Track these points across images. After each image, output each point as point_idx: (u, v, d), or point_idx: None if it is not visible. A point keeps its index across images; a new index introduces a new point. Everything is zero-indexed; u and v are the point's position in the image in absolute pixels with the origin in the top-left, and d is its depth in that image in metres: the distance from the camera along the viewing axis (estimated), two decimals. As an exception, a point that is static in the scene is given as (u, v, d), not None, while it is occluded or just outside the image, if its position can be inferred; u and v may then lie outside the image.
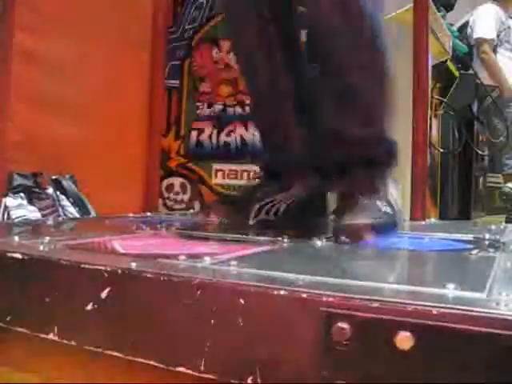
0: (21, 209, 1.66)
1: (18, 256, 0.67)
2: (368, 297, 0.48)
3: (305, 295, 0.50)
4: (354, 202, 0.96)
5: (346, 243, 0.88)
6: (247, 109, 2.75)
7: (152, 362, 0.56)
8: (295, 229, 1.05)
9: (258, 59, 1.21)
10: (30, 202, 1.70)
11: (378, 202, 0.97)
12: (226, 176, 2.78)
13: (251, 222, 1.14)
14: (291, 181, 1.20)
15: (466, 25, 3.68)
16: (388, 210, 0.96)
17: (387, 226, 0.93)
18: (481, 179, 3.76)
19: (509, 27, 3.61)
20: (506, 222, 3.12)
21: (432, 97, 2.53)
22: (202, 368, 0.53)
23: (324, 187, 1.20)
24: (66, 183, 1.82)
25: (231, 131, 2.77)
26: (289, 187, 1.19)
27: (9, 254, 0.68)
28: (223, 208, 1.19)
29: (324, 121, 1.11)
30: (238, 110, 2.76)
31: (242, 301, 0.52)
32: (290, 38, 1.24)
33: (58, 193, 1.79)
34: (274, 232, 0.99)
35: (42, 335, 0.62)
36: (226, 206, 1.22)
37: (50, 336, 0.62)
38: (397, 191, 1.04)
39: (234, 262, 0.64)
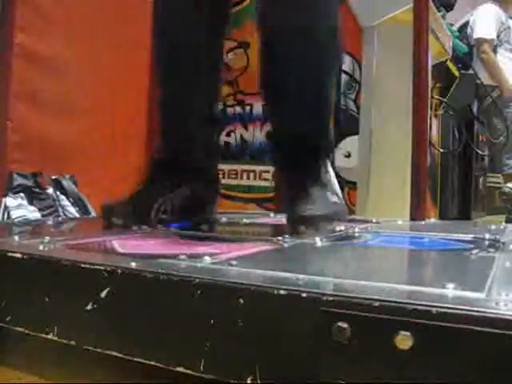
0: (21, 209, 1.67)
1: (18, 256, 0.67)
2: (368, 297, 0.48)
3: (305, 295, 0.50)
4: (305, 194, 1.02)
5: (303, 233, 0.94)
6: (247, 109, 2.76)
7: (152, 362, 0.56)
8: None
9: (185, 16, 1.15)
10: (30, 202, 1.70)
11: (328, 193, 1.05)
12: (226, 176, 2.79)
13: (153, 222, 1.11)
14: (182, 180, 1.19)
15: (466, 25, 3.68)
16: (336, 199, 1.06)
17: (339, 215, 1.04)
18: (481, 179, 3.76)
19: (509, 27, 3.62)
20: (506, 222, 3.12)
21: (432, 97, 2.53)
22: (202, 368, 0.53)
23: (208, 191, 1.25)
24: (66, 183, 1.82)
25: (231, 131, 2.77)
26: (182, 183, 1.19)
27: (9, 254, 0.68)
28: (122, 210, 1.13)
29: (273, 118, 1.19)
30: (238, 109, 2.76)
31: (241, 301, 0.52)
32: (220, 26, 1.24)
33: (58, 193, 1.79)
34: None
35: (42, 335, 0.63)
36: (124, 207, 1.14)
37: (50, 336, 0.62)
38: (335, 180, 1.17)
39: (234, 262, 0.64)
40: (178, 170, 1.18)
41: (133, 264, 0.61)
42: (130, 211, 1.11)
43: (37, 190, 1.74)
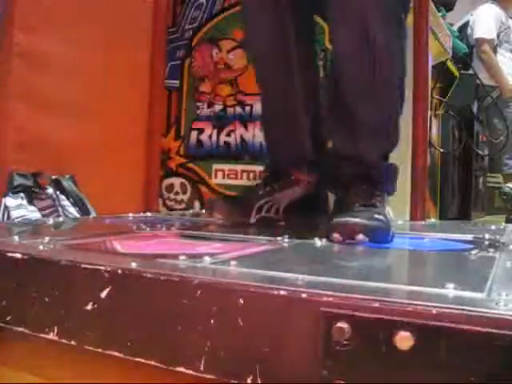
0: (21, 209, 1.66)
1: (18, 256, 0.67)
2: (368, 297, 0.48)
3: (305, 295, 0.50)
4: (350, 207, 1.00)
5: (338, 241, 0.90)
6: (247, 109, 2.76)
7: (152, 362, 0.56)
8: (295, 227, 1.07)
9: (273, 55, 1.22)
10: (30, 202, 1.70)
11: (374, 211, 0.99)
12: (225, 176, 2.78)
13: (252, 221, 1.17)
14: (291, 180, 1.25)
15: (466, 25, 3.68)
16: (382, 218, 0.96)
17: (380, 230, 0.94)
18: (481, 179, 3.76)
19: (509, 27, 3.62)
20: (506, 222, 3.12)
21: (432, 97, 2.53)
22: (202, 368, 0.53)
23: (324, 186, 1.24)
24: (66, 183, 1.82)
25: (231, 131, 2.77)
26: (289, 186, 1.23)
27: (9, 254, 0.68)
28: (225, 206, 1.21)
29: (334, 140, 1.21)
30: (238, 109, 2.76)
31: (241, 301, 0.52)
32: (305, 33, 1.27)
33: (58, 193, 1.79)
34: (275, 230, 1.00)
35: (42, 335, 0.63)
36: (227, 204, 1.24)
37: (50, 336, 0.62)
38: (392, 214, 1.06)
39: (233, 262, 0.64)
40: (280, 175, 1.24)
41: (133, 264, 0.61)
42: (231, 209, 1.19)
43: (37, 190, 1.74)
